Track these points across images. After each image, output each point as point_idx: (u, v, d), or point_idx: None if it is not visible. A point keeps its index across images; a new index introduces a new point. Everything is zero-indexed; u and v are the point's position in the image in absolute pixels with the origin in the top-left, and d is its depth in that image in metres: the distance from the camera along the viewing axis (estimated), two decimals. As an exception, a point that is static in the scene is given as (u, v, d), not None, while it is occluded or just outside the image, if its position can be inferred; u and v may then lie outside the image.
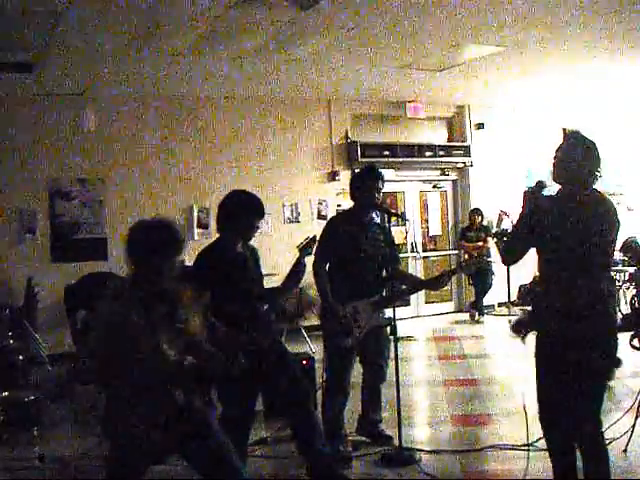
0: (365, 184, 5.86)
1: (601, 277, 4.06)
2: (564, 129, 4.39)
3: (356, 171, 6.25)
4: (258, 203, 5.09)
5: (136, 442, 3.63)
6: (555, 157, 4.21)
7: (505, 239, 12.19)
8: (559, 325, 4.08)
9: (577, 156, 4.11)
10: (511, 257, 4.45)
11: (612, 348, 4.10)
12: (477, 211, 12.92)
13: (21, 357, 7.90)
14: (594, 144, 4.17)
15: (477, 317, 12.79)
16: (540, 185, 4.22)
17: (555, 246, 4.08)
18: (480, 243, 12.70)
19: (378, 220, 6.26)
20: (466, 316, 13.13)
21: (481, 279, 12.69)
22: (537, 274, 4.44)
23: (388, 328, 5.86)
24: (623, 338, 7.54)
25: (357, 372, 6.11)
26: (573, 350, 4.01)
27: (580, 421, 4.12)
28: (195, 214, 11.45)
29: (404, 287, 6.16)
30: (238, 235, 5.09)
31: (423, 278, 6.38)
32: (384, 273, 5.95)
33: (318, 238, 5.67)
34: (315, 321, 5.94)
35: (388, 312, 5.89)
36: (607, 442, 4.26)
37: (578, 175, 4.10)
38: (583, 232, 4.01)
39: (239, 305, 4.83)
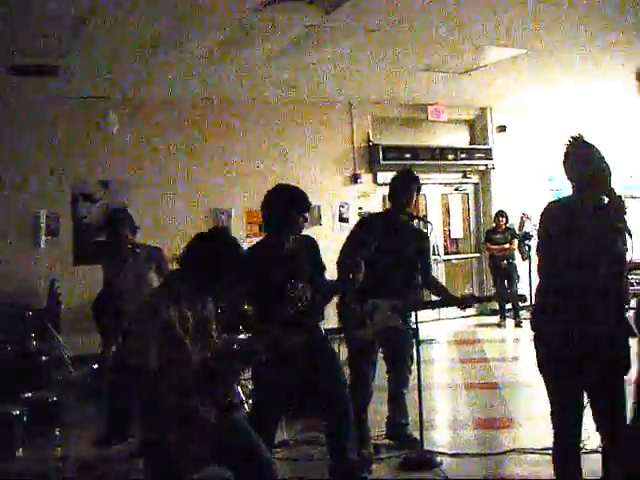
0: (398, 188, 5.90)
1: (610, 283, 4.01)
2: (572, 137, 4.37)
3: (394, 174, 6.27)
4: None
5: (172, 456, 3.66)
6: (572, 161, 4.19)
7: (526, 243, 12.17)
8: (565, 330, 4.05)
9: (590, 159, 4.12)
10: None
11: (621, 347, 4.05)
12: (502, 213, 12.86)
13: (44, 358, 7.96)
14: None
15: (499, 320, 12.73)
16: None
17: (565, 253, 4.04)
18: (506, 245, 12.65)
19: (419, 226, 6.27)
20: (488, 319, 13.10)
21: (507, 283, 12.65)
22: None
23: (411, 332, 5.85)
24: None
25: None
26: (582, 353, 3.99)
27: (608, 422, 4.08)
28: (218, 217, 11.49)
29: (432, 299, 6.15)
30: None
31: (451, 292, 6.34)
32: (415, 279, 5.94)
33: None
34: (337, 323, 5.92)
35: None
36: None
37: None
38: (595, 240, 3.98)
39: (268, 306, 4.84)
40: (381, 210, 6.28)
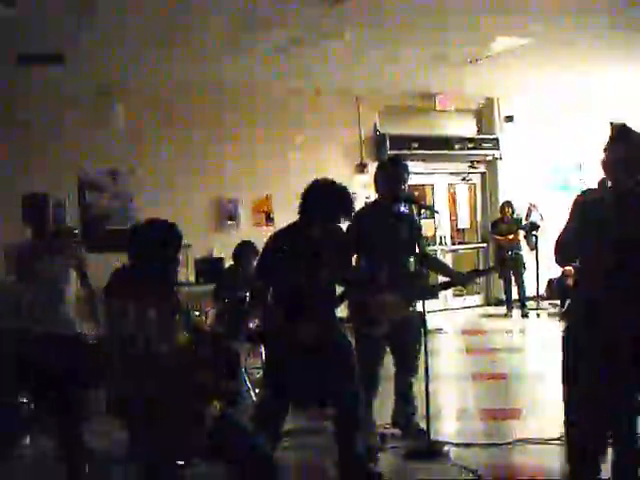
0: (385, 175, 5.85)
1: None
2: (611, 123, 4.15)
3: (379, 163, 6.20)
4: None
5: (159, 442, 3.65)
6: (608, 154, 3.96)
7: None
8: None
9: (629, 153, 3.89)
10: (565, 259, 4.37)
11: None
12: (508, 203, 12.80)
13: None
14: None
15: (506, 311, 12.70)
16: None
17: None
18: (511, 236, 12.60)
19: (406, 211, 6.19)
20: (494, 309, 13.11)
21: (513, 274, 12.61)
22: (567, 268, 4.31)
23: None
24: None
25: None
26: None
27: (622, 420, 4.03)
28: (224, 206, 11.52)
29: (438, 283, 6.13)
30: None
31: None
32: (417, 265, 5.91)
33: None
34: (345, 313, 5.89)
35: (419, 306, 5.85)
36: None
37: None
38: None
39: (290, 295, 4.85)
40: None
